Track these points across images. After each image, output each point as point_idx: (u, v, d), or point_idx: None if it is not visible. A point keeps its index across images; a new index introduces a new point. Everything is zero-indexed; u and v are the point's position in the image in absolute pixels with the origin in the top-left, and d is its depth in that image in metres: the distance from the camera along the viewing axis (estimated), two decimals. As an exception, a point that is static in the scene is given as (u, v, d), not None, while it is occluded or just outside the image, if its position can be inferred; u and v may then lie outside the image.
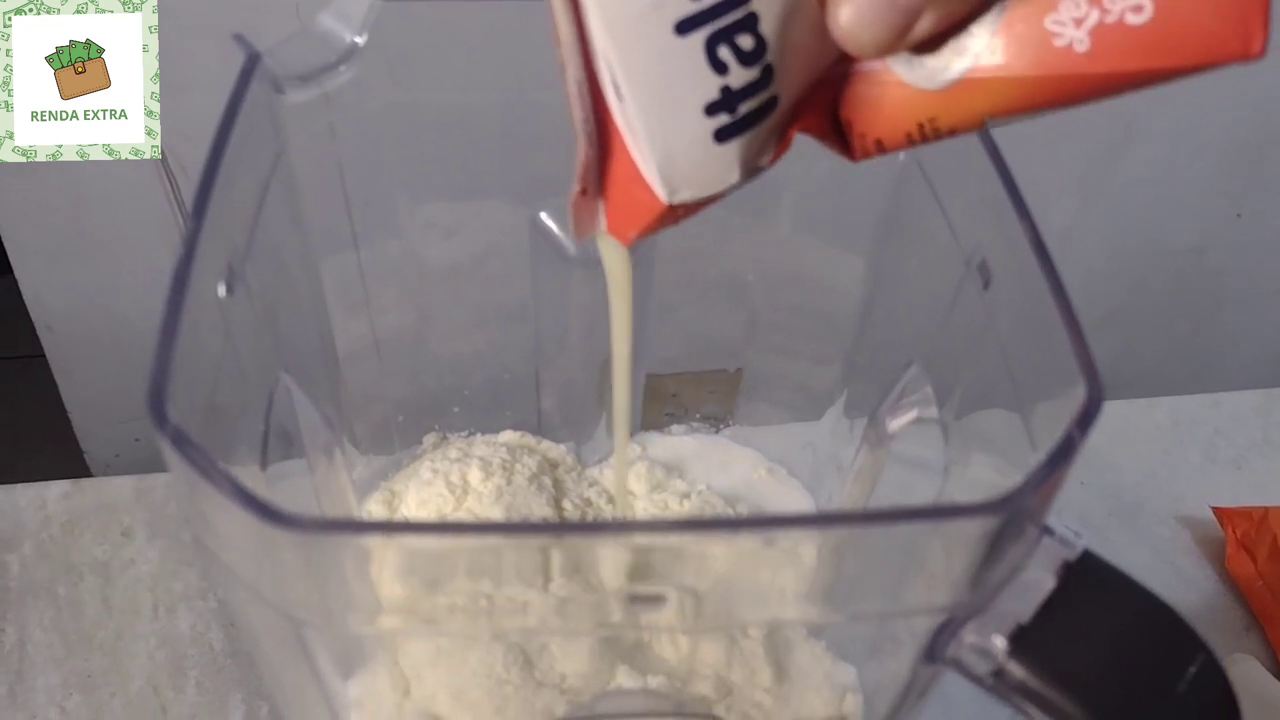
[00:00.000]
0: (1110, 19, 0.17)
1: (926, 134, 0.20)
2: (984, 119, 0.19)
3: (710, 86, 0.19)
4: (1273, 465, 0.50)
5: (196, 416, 0.20)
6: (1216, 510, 0.47)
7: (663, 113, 0.19)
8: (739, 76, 0.19)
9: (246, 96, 0.26)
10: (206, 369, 0.23)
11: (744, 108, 0.19)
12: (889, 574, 0.21)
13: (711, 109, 0.19)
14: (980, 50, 0.18)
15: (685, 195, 0.20)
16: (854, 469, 0.36)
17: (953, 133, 0.19)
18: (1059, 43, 0.18)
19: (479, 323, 0.40)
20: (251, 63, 0.27)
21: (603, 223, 0.22)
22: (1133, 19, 0.17)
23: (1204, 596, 0.45)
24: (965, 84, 0.19)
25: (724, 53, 0.18)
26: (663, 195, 0.20)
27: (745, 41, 0.18)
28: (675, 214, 0.21)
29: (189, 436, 0.18)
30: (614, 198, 0.21)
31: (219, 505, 0.18)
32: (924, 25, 0.18)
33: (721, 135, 0.19)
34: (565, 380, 0.39)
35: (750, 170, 0.20)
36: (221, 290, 0.24)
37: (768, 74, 0.19)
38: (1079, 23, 0.17)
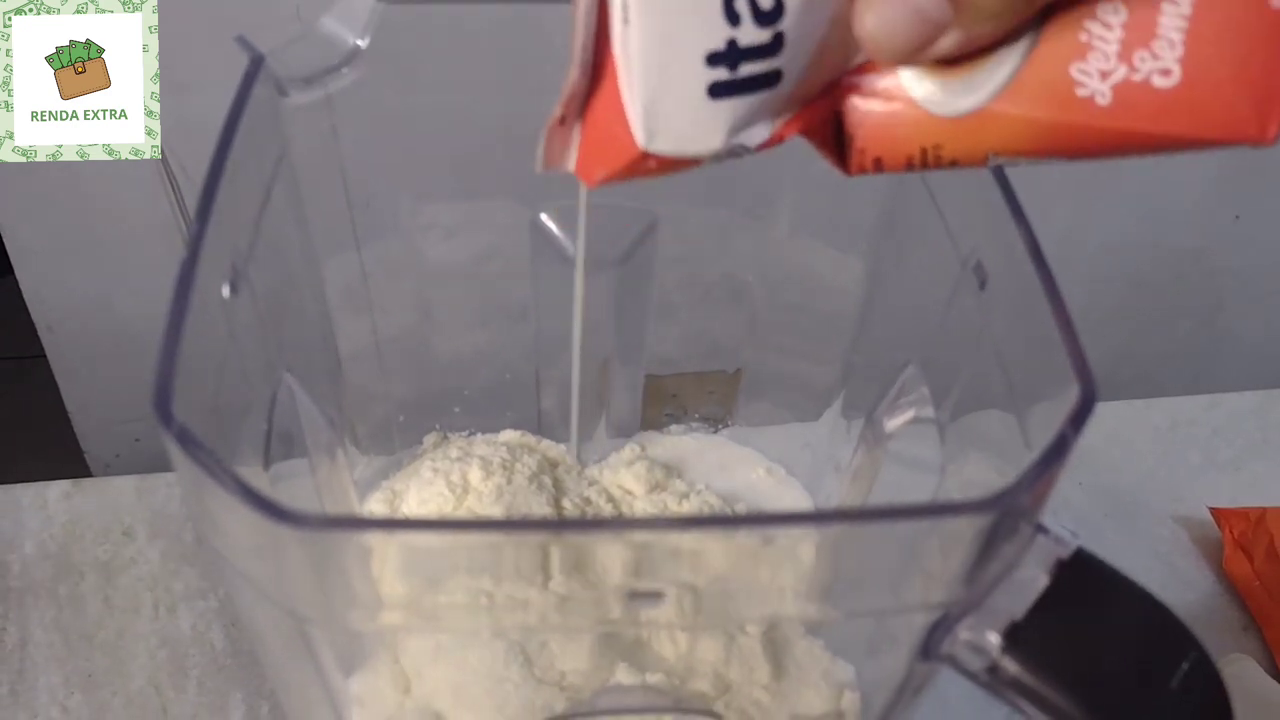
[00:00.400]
0: (1137, 77, 0.17)
1: (928, 161, 0.19)
2: (989, 155, 0.19)
3: (718, 34, 0.18)
4: (1270, 466, 0.50)
5: (201, 416, 0.20)
6: (1214, 511, 0.47)
7: (664, 47, 0.19)
8: (749, 34, 0.18)
9: (250, 99, 0.26)
10: (211, 369, 0.23)
11: (745, 69, 0.19)
12: (885, 571, 0.21)
13: (713, 59, 0.18)
14: (1000, 85, 0.18)
15: (662, 145, 0.19)
16: (852, 469, 0.36)
17: (954, 164, 0.19)
18: (1081, 92, 0.18)
19: (480, 323, 0.40)
20: (255, 65, 0.27)
21: (572, 159, 0.21)
22: (1159, 81, 0.17)
23: (1201, 597, 0.45)
24: (978, 116, 0.19)
25: (740, 3, 0.18)
26: (640, 138, 0.19)
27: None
28: (646, 165, 0.20)
29: (194, 435, 0.19)
30: (590, 135, 0.21)
31: (224, 503, 0.19)
32: (948, 42, 0.18)
33: (715, 91, 0.19)
34: (565, 380, 0.40)
35: (733, 144, 0.20)
36: (225, 291, 0.24)
37: (778, 42, 0.19)
38: (1105, 75, 0.17)
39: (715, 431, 0.43)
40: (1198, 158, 0.65)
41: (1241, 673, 0.40)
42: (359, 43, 0.30)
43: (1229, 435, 0.52)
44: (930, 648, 0.22)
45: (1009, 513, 0.19)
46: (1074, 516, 0.46)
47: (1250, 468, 0.50)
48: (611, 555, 0.21)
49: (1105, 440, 0.50)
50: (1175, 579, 0.45)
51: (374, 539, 0.20)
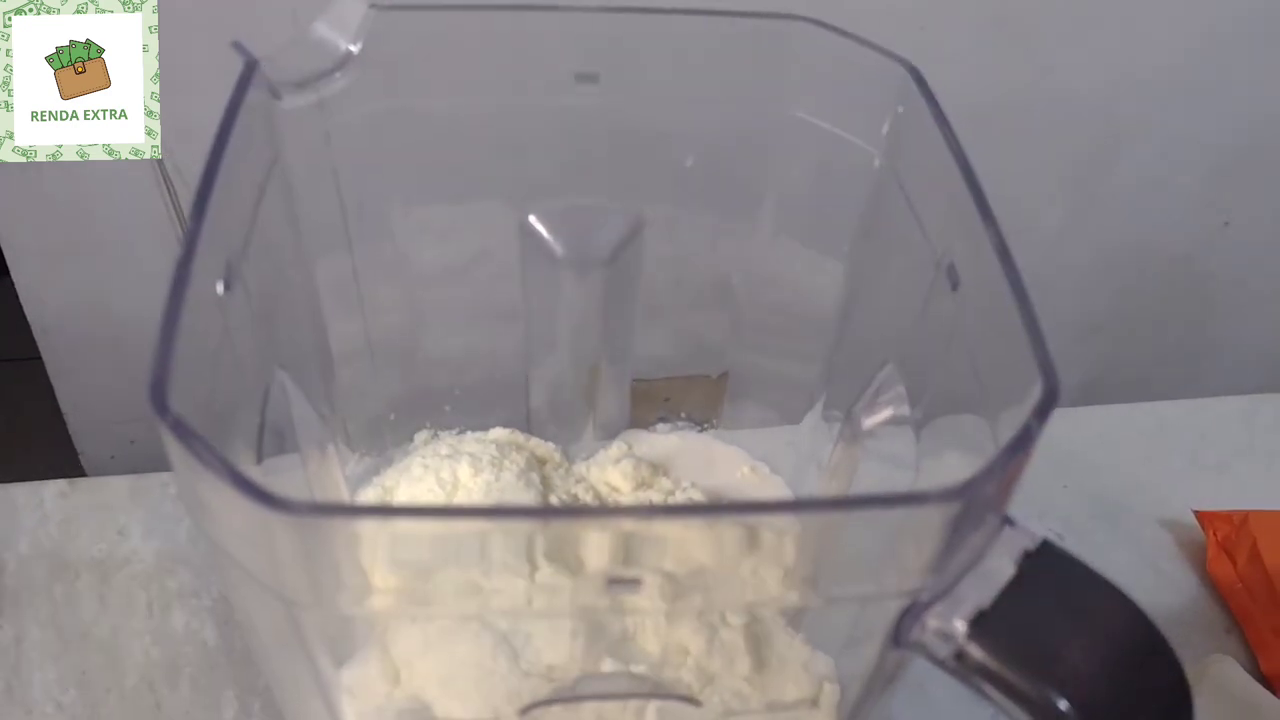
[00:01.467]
0: None
1: None
2: None
3: None
4: (1255, 470, 0.51)
5: (196, 409, 0.21)
6: (1198, 514, 0.47)
7: None
8: None
9: (244, 102, 0.26)
10: (205, 363, 0.24)
11: None
12: (858, 558, 0.22)
13: None
14: None
15: None
16: (831, 465, 0.37)
17: None
18: None
19: (470, 323, 0.41)
20: (249, 69, 0.28)
21: None
22: None
23: (1185, 598, 0.45)
24: None
25: None
26: None
27: None
28: None
29: (189, 425, 0.19)
30: None
31: (218, 491, 0.19)
32: None
33: None
34: (554, 380, 0.40)
35: None
36: (220, 288, 0.24)
37: None
38: None
39: (701, 430, 0.44)
40: (1186, 164, 0.66)
41: (1223, 674, 0.41)
42: (351, 48, 0.31)
43: (1214, 439, 0.52)
44: (900, 635, 0.22)
45: (975, 502, 0.20)
46: (1060, 518, 0.46)
47: (1235, 471, 0.51)
48: (597, 544, 0.21)
49: (1091, 443, 0.50)
50: (1159, 580, 0.46)
51: (362, 525, 0.21)
